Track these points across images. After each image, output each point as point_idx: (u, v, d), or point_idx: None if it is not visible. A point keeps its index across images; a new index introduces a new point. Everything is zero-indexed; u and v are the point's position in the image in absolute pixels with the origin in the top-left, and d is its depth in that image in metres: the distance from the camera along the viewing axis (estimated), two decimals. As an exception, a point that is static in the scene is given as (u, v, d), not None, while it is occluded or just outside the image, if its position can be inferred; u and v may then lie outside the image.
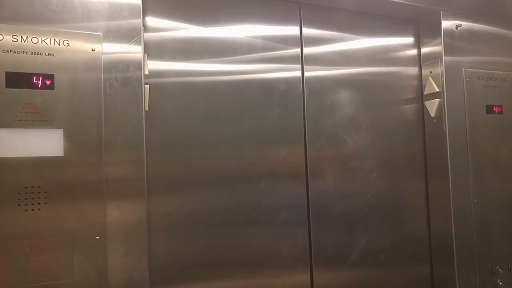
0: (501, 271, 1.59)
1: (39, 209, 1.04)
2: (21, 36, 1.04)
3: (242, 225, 1.37)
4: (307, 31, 1.50)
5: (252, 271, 1.38)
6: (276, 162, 1.42)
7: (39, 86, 1.05)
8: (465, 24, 1.61)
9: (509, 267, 1.61)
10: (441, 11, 1.58)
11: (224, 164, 1.35)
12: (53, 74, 1.06)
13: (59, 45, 1.08)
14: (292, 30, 1.48)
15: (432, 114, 1.59)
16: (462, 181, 1.55)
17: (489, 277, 1.57)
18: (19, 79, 1.03)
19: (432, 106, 1.58)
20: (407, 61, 1.67)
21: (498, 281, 1.58)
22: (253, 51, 1.42)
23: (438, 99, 1.56)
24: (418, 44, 1.69)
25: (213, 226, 1.33)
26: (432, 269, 1.63)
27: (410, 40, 1.69)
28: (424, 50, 1.66)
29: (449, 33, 1.58)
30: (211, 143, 1.34)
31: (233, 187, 1.36)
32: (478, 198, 1.57)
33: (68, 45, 1.09)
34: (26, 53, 1.04)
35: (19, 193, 1.02)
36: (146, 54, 1.22)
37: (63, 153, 1.07)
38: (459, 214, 1.53)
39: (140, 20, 1.16)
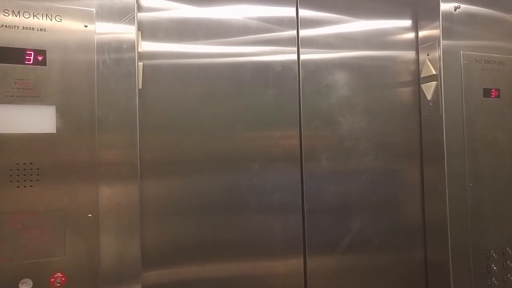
0: (495, 256, 1.59)
1: (31, 186, 1.03)
2: (13, 11, 1.03)
3: (235, 207, 1.37)
4: (303, 12, 1.48)
5: (244, 254, 1.37)
6: (270, 144, 1.41)
7: (31, 61, 1.04)
8: (463, 6, 1.58)
9: (503, 251, 1.60)
10: (440, -8, 1.55)
11: (218, 146, 1.35)
12: (45, 50, 1.05)
13: (51, 20, 1.06)
14: (288, 11, 1.46)
15: (429, 97, 1.57)
16: (457, 165, 1.54)
17: (483, 262, 1.57)
18: (11, 54, 1.02)
19: (428, 89, 1.57)
20: (405, 44, 1.65)
21: (492, 265, 1.58)
22: (248, 33, 1.41)
23: (435, 82, 1.55)
24: (415, 27, 1.66)
25: (206, 208, 1.33)
26: (426, 254, 1.63)
27: (407, 23, 1.66)
28: (422, 33, 1.63)
29: (448, 15, 1.56)
30: (205, 125, 1.33)
31: (226, 169, 1.36)
32: (473, 182, 1.56)
33: (61, 21, 1.07)
34: (18, 28, 1.03)
35: (11, 170, 1.02)
36: (140, 32, 1.21)
37: (55, 130, 1.06)
38: (454, 199, 1.52)
39: (134, -3, 1.15)
